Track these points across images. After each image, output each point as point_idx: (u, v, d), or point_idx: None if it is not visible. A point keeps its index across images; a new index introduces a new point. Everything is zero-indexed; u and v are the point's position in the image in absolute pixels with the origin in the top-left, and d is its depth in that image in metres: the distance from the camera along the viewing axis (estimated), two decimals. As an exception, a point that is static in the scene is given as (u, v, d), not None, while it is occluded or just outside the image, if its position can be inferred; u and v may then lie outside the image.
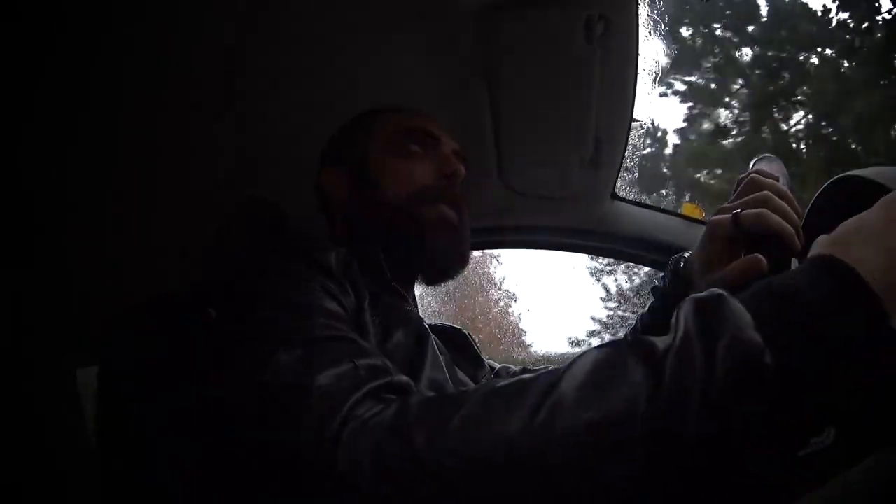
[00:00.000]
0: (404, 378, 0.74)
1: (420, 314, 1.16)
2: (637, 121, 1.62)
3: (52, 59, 1.23)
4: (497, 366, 1.37)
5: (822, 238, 0.61)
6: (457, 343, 1.30)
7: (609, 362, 0.58)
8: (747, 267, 0.84)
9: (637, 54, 1.42)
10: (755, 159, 1.11)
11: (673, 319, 0.57)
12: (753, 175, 0.99)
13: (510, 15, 1.30)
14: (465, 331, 1.37)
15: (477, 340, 1.38)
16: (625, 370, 0.55)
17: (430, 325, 1.12)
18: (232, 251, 1.06)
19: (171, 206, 1.59)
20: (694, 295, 0.58)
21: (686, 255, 1.13)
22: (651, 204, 1.91)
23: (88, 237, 1.58)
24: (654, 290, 1.23)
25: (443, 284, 1.23)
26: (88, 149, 1.43)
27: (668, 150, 10.80)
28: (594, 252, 1.98)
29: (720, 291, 0.57)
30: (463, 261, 1.19)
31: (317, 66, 1.42)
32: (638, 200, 1.91)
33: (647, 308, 1.23)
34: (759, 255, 0.83)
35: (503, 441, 0.56)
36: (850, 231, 0.59)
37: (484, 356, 1.35)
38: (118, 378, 1.20)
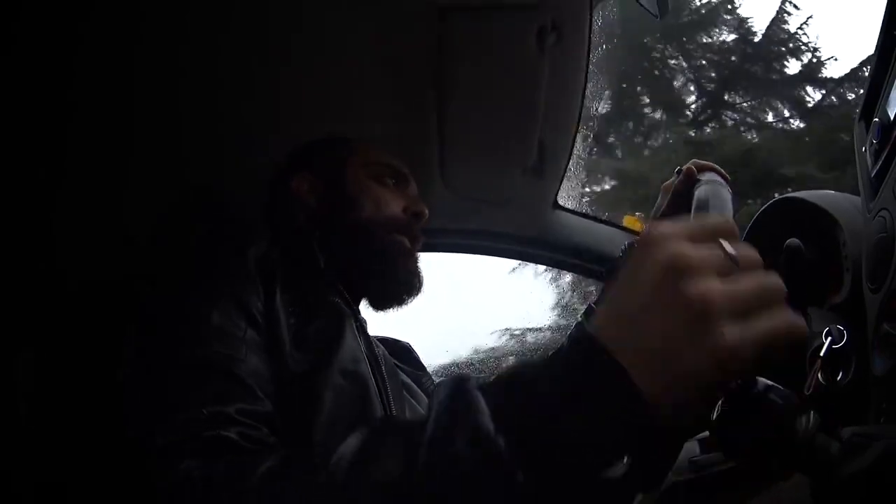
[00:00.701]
0: (255, 433, 0.80)
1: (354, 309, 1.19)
2: (583, 131, 1.63)
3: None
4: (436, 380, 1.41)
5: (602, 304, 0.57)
6: (401, 355, 1.37)
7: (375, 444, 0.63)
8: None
9: (587, 65, 1.43)
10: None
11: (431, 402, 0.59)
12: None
13: (463, 19, 1.30)
14: (407, 343, 1.44)
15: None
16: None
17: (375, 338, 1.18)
18: (164, 243, 1.06)
19: (118, 192, 1.54)
20: (444, 382, 0.60)
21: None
22: (593, 214, 1.92)
23: (33, 221, 1.52)
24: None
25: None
26: (35, 132, 1.37)
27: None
28: (533, 259, 1.98)
29: (467, 386, 0.57)
30: (415, 290, 1.26)
31: (266, 56, 1.39)
32: (580, 210, 1.91)
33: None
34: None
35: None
36: (624, 305, 0.55)
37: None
38: (53, 363, 1.24)
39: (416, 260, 1.26)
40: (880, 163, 0.89)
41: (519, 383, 0.56)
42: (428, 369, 1.42)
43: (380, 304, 1.28)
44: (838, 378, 0.87)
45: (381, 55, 1.43)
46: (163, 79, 1.37)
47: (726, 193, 0.98)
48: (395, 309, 1.28)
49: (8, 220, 1.46)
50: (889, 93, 0.91)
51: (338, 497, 0.60)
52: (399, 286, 1.24)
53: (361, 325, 1.11)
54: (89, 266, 1.50)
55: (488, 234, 1.97)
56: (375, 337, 1.20)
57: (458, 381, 0.58)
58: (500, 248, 2.00)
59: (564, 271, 1.91)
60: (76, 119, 1.38)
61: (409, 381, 1.28)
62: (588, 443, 0.51)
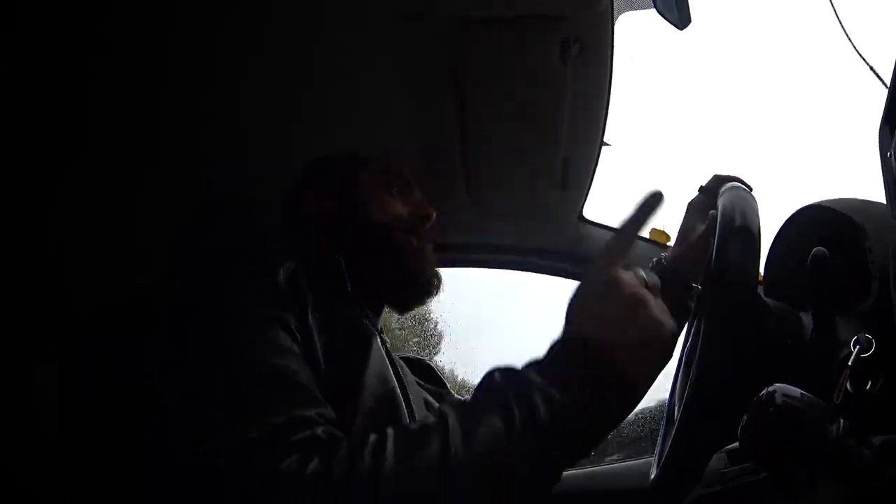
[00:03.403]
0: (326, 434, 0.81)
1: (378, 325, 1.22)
2: (608, 144, 1.63)
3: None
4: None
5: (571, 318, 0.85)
6: (422, 374, 1.38)
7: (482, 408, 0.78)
8: None
9: (611, 77, 1.43)
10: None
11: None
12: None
13: (485, 32, 1.30)
14: (427, 360, 1.47)
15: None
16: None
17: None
18: (188, 258, 1.06)
19: (137, 204, 1.57)
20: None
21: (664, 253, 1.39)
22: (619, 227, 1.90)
23: (54, 233, 1.55)
24: None
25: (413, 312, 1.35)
26: (59, 144, 1.41)
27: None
28: (560, 274, 1.98)
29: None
30: (433, 288, 1.29)
31: (288, 71, 1.42)
32: (605, 223, 1.90)
33: None
34: None
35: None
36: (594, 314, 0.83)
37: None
38: (78, 376, 1.22)
39: (429, 258, 1.29)
40: (906, 169, 0.88)
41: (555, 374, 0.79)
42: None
43: (401, 305, 1.33)
44: (867, 387, 0.86)
45: (404, 69, 1.44)
46: (183, 91, 1.40)
47: (750, 197, 0.99)
48: (417, 308, 1.32)
49: (28, 233, 1.49)
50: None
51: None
52: (415, 284, 1.28)
53: (385, 343, 1.13)
54: (109, 278, 1.52)
55: (514, 249, 1.98)
56: (398, 355, 1.22)
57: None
58: (527, 263, 2.00)
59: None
60: (95, 129, 1.41)
61: (430, 398, 1.28)
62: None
